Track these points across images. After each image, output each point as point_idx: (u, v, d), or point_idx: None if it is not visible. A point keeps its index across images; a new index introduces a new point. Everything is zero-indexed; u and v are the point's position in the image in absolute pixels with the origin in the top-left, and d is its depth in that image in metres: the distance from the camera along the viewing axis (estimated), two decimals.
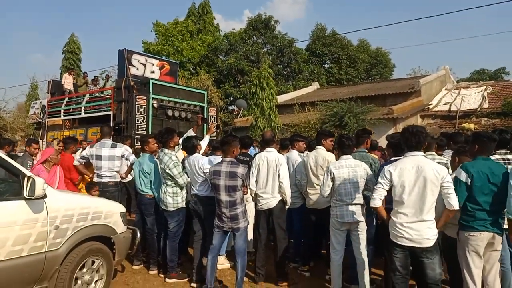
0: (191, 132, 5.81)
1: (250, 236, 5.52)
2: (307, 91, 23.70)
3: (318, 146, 5.15)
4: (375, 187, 3.62)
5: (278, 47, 28.37)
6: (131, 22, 76.74)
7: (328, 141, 5.22)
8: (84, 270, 3.92)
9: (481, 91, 17.28)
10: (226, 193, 4.25)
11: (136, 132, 9.45)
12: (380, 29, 52.18)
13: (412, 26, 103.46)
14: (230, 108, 27.20)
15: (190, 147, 4.94)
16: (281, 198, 4.85)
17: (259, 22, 28.49)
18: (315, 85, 25.02)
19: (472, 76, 34.32)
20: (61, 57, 35.61)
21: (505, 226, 3.77)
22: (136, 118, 9.54)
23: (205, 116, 11.12)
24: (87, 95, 12.12)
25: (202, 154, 5.24)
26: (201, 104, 11.43)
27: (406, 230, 3.37)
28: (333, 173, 4.33)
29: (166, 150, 4.87)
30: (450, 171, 4.38)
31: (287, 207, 4.97)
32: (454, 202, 3.30)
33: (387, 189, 3.50)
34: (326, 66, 30.60)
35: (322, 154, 5.05)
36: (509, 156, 4.07)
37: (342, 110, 14.12)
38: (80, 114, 11.44)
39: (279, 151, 5.64)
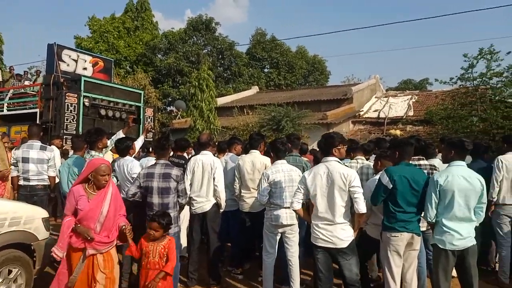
0: (120, 134, 5.41)
1: (184, 240, 5.43)
2: (246, 95, 23.93)
3: (253, 150, 5.18)
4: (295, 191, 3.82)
5: (219, 49, 28.36)
6: (64, 16, 72.24)
7: (262, 145, 5.30)
8: (0, 280, 3.63)
9: (407, 99, 18.49)
10: (158, 195, 4.11)
11: (65, 131, 8.91)
12: (318, 37, 54.22)
13: (348, 36, 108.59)
14: (168, 109, 26.69)
15: (122, 149, 4.71)
16: (215, 201, 4.83)
17: (200, 23, 28.29)
18: (254, 89, 25.34)
19: (400, 85, 36.79)
20: None
21: (423, 229, 4.07)
22: (65, 117, 9.00)
23: (141, 117, 10.78)
24: (11, 91, 11.27)
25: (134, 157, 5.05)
26: (137, 104, 11.06)
27: (321, 231, 3.58)
28: (270, 178, 4.41)
29: (93, 152, 4.56)
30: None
31: (221, 210, 4.96)
32: (360, 206, 3.51)
33: (304, 193, 3.70)
34: (266, 70, 31.13)
35: (259, 158, 5.09)
36: (421, 162, 4.39)
37: (280, 114, 14.46)
38: (2, 111, 10.59)
39: (216, 155, 5.62)
